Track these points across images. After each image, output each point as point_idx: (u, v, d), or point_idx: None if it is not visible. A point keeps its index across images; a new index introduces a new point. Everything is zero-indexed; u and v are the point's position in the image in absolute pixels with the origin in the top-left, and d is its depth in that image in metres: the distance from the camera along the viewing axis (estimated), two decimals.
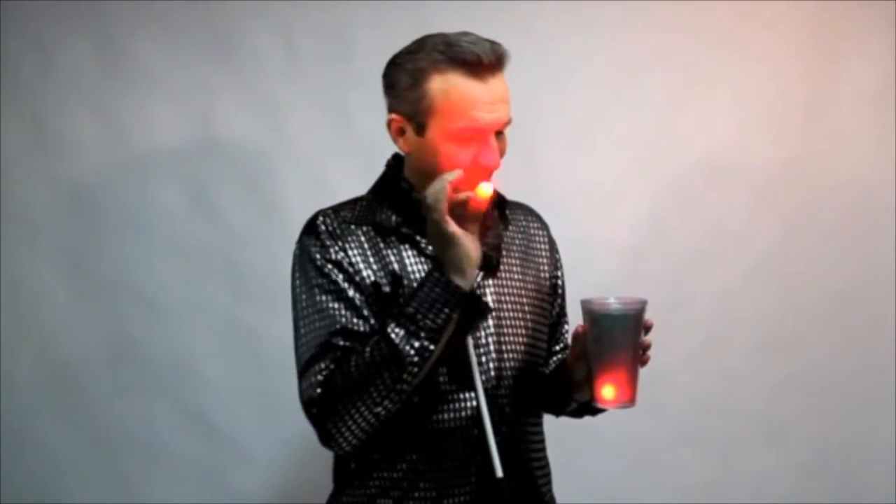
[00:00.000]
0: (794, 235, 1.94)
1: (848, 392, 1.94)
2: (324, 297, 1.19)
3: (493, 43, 1.16)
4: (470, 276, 1.12)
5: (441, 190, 1.10)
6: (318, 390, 1.14)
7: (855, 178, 1.94)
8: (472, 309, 1.16)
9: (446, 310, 1.10)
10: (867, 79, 1.94)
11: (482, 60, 1.14)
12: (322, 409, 1.14)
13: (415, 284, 1.18)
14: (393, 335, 1.10)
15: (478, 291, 1.22)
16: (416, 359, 1.10)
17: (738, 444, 1.93)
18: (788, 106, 1.94)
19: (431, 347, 1.11)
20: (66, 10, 1.88)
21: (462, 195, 1.11)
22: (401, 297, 1.18)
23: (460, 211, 1.11)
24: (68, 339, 1.89)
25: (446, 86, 1.15)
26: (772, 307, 1.94)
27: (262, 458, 1.89)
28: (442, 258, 1.12)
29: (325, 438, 1.15)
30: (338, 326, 1.16)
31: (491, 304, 1.23)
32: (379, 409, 1.12)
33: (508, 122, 1.20)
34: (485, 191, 1.11)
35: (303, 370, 1.18)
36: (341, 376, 1.13)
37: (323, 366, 1.15)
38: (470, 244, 1.11)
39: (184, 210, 1.89)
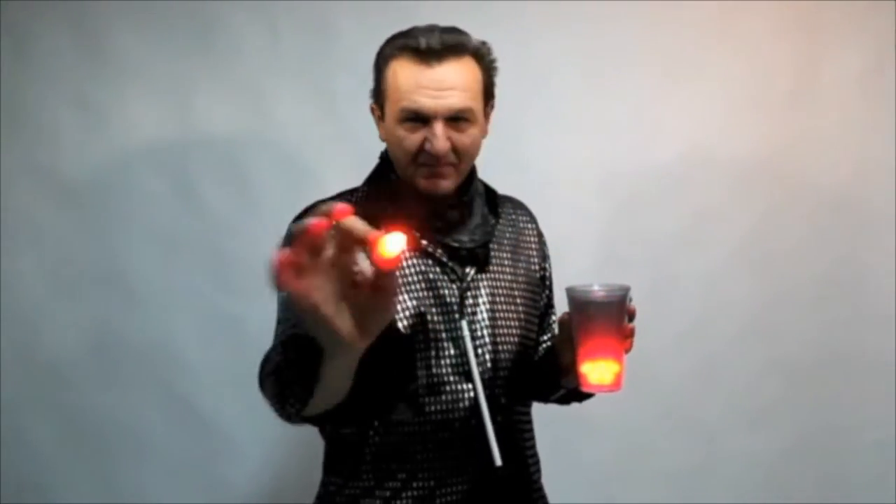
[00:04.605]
0: (776, 221, 1.96)
1: (831, 375, 1.97)
2: None
3: (447, 32, 1.19)
4: (340, 355, 0.83)
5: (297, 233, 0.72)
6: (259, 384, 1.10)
7: (838, 164, 1.97)
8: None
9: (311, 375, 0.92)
10: (851, 66, 1.96)
11: (421, 46, 1.17)
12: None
13: (400, 279, 1.19)
14: (271, 385, 1.02)
15: (471, 285, 1.24)
16: (295, 405, 1.00)
17: (722, 428, 1.96)
18: (772, 93, 1.96)
19: (299, 406, 0.99)
20: (46, 1, 1.86)
21: (359, 227, 0.72)
22: None
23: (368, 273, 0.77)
24: (51, 332, 1.89)
25: (397, 69, 1.19)
26: (755, 292, 1.96)
27: (249, 447, 1.89)
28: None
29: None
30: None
31: (485, 298, 1.25)
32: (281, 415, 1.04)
33: (463, 112, 1.19)
34: (388, 248, 0.72)
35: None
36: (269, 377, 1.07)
37: (270, 358, 1.10)
38: (340, 327, 0.75)
39: (167, 200, 1.89)
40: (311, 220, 0.69)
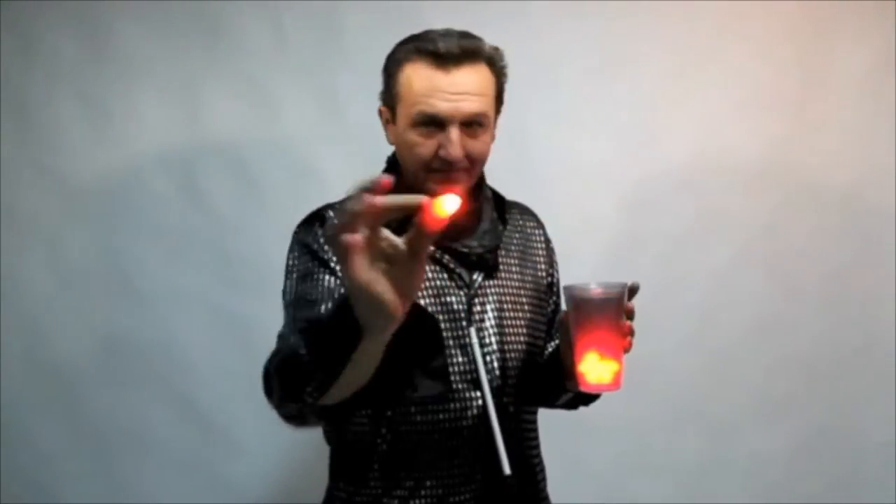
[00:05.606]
0: (785, 220, 1.95)
1: (840, 373, 1.96)
2: (321, 280, 1.17)
3: (464, 37, 1.18)
4: (380, 330, 0.81)
5: (347, 213, 0.73)
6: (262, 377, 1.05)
7: (846, 163, 1.96)
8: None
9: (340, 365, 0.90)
10: (861, 62, 1.95)
11: (441, 50, 1.16)
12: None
13: None
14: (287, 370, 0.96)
15: (479, 292, 1.23)
16: (312, 395, 0.94)
17: (732, 426, 1.95)
18: (781, 89, 1.95)
19: (317, 394, 0.93)
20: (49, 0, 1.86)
21: (401, 200, 0.75)
22: None
23: (413, 234, 0.76)
24: (56, 331, 1.88)
25: (411, 73, 1.18)
26: (764, 289, 1.95)
27: (254, 447, 1.89)
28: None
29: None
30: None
31: (493, 305, 1.24)
32: (284, 410, 1.01)
33: (477, 116, 1.19)
34: (444, 208, 0.75)
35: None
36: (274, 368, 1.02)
37: (282, 350, 1.05)
38: (382, 292, 0.76)
39: (173, 198, 1.89)
40: (373, 199, 0.72)
